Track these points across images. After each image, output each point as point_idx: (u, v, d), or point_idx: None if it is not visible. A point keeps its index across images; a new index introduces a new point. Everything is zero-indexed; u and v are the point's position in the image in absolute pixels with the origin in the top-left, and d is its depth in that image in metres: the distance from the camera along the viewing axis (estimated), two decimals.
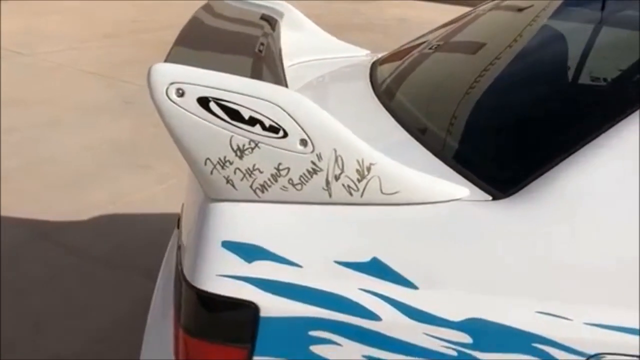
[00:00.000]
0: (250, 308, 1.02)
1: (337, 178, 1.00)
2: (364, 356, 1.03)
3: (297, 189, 1.00)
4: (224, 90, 0.96)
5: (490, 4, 1.91)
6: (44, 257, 2.80)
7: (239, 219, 1.03)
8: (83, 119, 4.36)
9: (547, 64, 1.45)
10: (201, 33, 1.41)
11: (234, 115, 0.96)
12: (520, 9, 1.82)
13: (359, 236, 1.04)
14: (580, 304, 1.03)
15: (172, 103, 0.96)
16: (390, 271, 1.02)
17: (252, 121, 0.96)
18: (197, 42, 1.31)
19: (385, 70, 1.74)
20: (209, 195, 1.04)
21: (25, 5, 7.11)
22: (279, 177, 0.99)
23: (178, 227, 1.58)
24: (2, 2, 6.72)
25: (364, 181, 1.01)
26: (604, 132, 1.07)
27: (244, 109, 0.96)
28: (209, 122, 0.96)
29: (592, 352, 1.02)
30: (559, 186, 1.05)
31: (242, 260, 1.02)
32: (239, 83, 0.98)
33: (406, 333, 1.02)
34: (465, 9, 2.01)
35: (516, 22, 1.74)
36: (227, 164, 0.98)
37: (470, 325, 1.02)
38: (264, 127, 0.96)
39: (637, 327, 1.02)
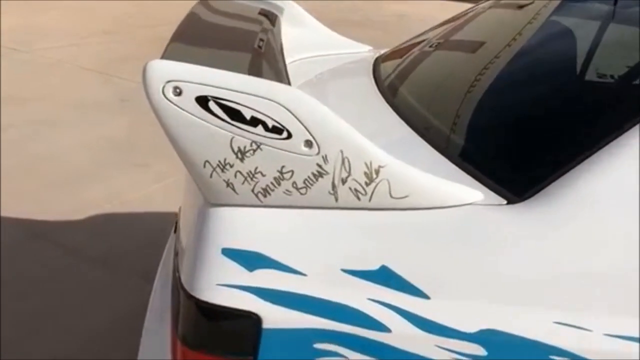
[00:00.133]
0: (252, 319, 0.98)
1: (343, 181, 0.96)
2: None
3: (301, 193, 0.96)
4: (224, 88, 0.92)
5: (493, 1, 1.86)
6: (40, 257, 2.78)
7: (239, 225, 0.99)
8: (80, 116, 4.34)
9: (566, 62, 1.40)
10: (199, 29, 1.37)
11: (235, 115, 0.92)
12: (523, 6, 1.77)
13: (367, 243, 1.00)
14: (601, 314, 0.99)
15: (168, 102, 0.92)
16: (399, 280, 0.98)
17: (254, 121, 0.92)
18: (195, 38, 1.27)
19: (389, 67, 1.70)
20: (208, 199, 1.00)
21: (23, 1, 7.06)
22: (282, 180, 0.96)
23: (175, 231, 1.53)
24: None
25: (372, 185, 0.97)
26: (624, 132, 1.03)
27: (245, 108, 0.92)
28: (208, 122, 0.92)
29: None
30: (577, 189, 1.01)
31: (243, 269, 0.98)
32: (240, 81, 0.93)
33: (417, 345, 0.98)
34: (465, 5, 1.97)
35: (525, 18, 1.69)
36: (228, 166, 0.94)
37: (484, 337, 0.98)
38: (266, 128, 0.93)
39: None
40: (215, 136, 0.93)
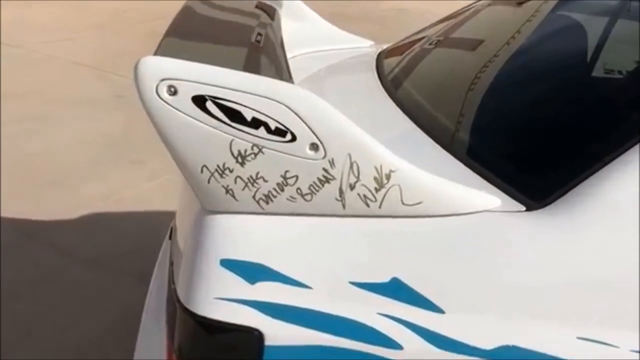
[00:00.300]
0: (253, 335, 0.93)
1: (352, 187, 0.91)
2: None
3: (306, 200, 0.92)
4: (223, 87, 0.87)
5: None
6: (32, 258, 2.74)
7: (239, 234, 0.95)
8: (74, 112, 4.30)
9: (590, 62, 1.33)
10: (194, 23, 1.33)
11: (235, 116, 0.87)
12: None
13: (377, 253, 0.95)
14: (628, 329, 0.94)
15: (163, 102, 0.87)
16: (411, 293, 0.93)
17: (255, 123, 0.88)
18: (190, 33, 1.22)
19: (393, 63, 1.65)
20: (206, 206, 0.95)
21: None
22: (286, 186, 0.91)
23: (170, 238, 1.48)
24: None
25: (383, 190, 0.92)
26: None
27: (245, 108, 0.87)
28: (206, 124, 0.87)
29: None
30: (601, 195, 0.96)
31: (243, 281, 0.93)
32: (240, 79, 0.88)
33: None
34: (464, 2, 1.91)
35: (533, 13, 1.62)
36: (227, 171, 0.90)
37: (502, 354, 0.93)
38: (268, 130, 0.88)
39: None
40: (213, 139, 0.88)
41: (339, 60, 1.78)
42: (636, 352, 0.93)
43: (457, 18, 1.78)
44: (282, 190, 0.91)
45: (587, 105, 1.21)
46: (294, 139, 0.88)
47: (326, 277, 0.94)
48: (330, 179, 0.90)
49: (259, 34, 1.32)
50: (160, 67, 0.87)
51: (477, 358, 0.93)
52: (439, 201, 0.94)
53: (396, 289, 0.93)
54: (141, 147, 3.69)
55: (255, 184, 0.91)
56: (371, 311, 0.93)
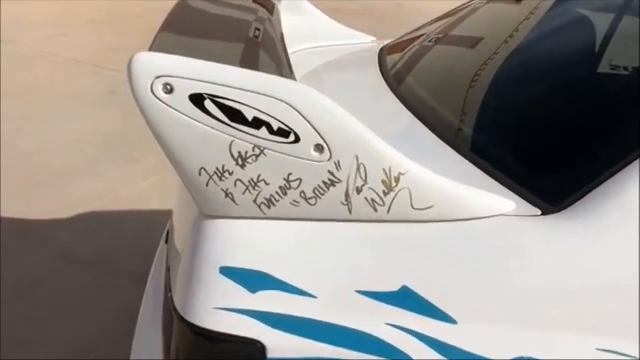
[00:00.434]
0: (255, 347, 0.90)
1: (359, 191, 0.88)
2: None
3: (310, 204, 0.89)
4: (222, 85, 0.84)
5: None
6: (26, 259, 2.71)
7: (240, 240, 0.92)
8: (68, 109, 4.27)
9: (611, 60, 1.29)
10: (190, 18, 1.30)
11: (235, 115, 0.84)
12: None
13: (385, 260, 0.92)
14: None
15: (158, 101, 0.84)
16: (422, 302, 0.90)
17: (257, 123, 0.84)
18: (186, 28, 1.20)
19: (396, 58, 1.62)
20: (204, 211, 0.92)
21: None
22: (289, 189, 0.88)
23: (167, 242, 1.44)
24: None
25: (392, 194, 0.89)
26: None
27: (246, 108, 0.84)
28: (204, 124, 0.84)
29: None
30: (621, 198, 0.93)
31: (244, 290, 0.90)
32: (241, 76, 0.85)
33: None
34: None
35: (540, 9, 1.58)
36: (227, 174, 0.87)
37: None
38: (271, 130, 0.85)
39: None
40: (212, 140, 0.85)
41: (340, 56, 1.76)
42: None
43: (461, 13, 1.74)
44: (285, 194, 0.88)
45: (608, 104, 1.17)
46: (297, 140, 0.85)
47: (331, 285, 0.91)
48: (336, 182, 0.87)
49: (257, 29, 1.30)
50: (156, 64, 0.84)
51: None
52: (450, 205, 0.91)
53: (405, 298, 0.90)
54: (137, 144, 3.66)
55: (256, 188, 0.88)
56: (379, 322, 0.90)
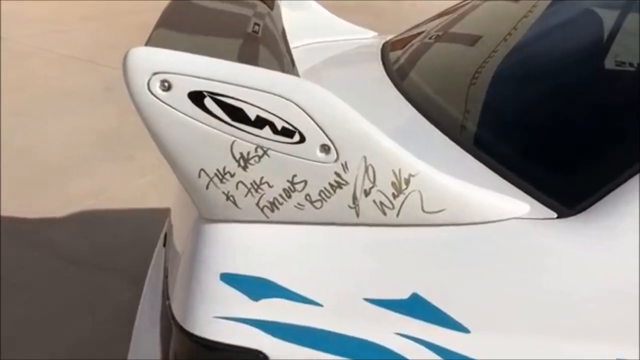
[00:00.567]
0: (257, 358, 0.88)
1: (367, 193, 0.85)
2: None
3: (315, 207, 0.86)
4: (223, 82, 0.80)
5: None
6: (20, 259, 2.71)
7: (241, 245, 0.89)
8: (62, 106, 4.28)
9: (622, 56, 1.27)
10: (188, 13, 1.27)
11: (236, 114, 0.81)
12: None
13: (394, 266, 0.89)
14: None
15: (155, 99, 0.80)
16: (433, 310, 0.88)
17: (260, 122, 0.82)
18: (183, 24, 1.16)
19: (399, 54, 1.59)
20: (204, 214, 0.89)
21: None
22: (293, 192, 0.85)
23: (164, 245, 1.42)
24: None
25: (401, 197, 0.86)
26: None
27: (249, 106, 0.81)
28: (204, 123, 0.81)
29: None
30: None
31: (246, 298, 0.88)
32: (243, 73, 0.82)
33: None
34: None
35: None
36: (228, 176, 0.84)
37: None
38: (274, 130, 0.82)
39: None
40: (212, 140, 0.82)
41: (342, 51, 1.74)
42: None
43: (465, 8, 1.71)
44: (289, 196, 0.85)
45: (625, 101, 1.14)
46: (302, 139, 0.82)
47: (337, 293, 0.88)
48: (343, 184, 0.85)
49: (256, 24, 1.27)
50: (153, 60, 0.80)
51: None
52: (462, 208, 0.88)
53: (416, 306, 0.88)
54: (132, 141, 3.65)
55: (259, 190, 0.85)
56: (388, 331, 0.88)
